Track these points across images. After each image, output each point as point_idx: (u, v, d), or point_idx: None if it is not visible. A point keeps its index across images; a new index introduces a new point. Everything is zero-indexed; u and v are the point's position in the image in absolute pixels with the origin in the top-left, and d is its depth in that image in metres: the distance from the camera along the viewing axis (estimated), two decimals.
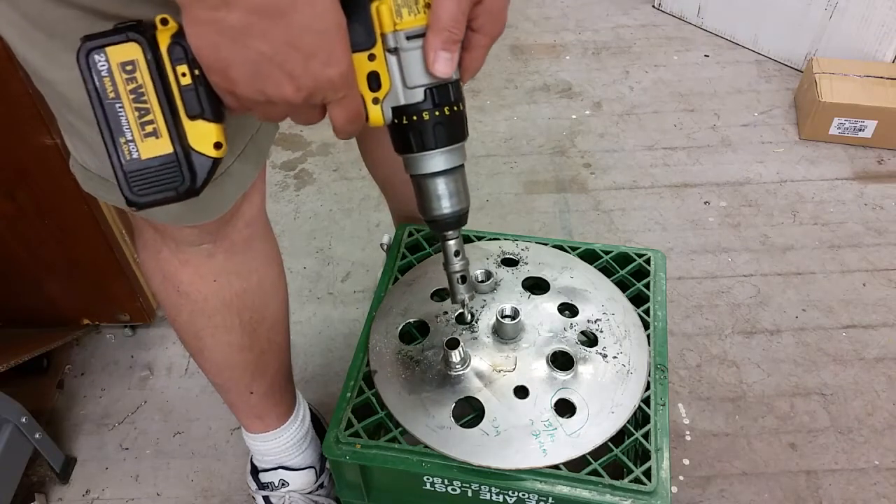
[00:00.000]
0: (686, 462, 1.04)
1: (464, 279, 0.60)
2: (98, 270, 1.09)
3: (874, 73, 1.53)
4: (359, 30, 0.45)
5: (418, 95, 0.49)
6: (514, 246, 0.87)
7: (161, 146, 0.43)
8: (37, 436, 0.99)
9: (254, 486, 0.95)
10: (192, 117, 0.44)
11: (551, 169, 1.53)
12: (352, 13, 0.44)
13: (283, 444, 0.91)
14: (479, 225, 1.41)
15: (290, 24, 0.41)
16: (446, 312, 0.79)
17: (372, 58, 0.46)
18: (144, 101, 0.43)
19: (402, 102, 0.49)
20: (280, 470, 0.93)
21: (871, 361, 1.15)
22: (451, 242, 0.58)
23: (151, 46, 0.43)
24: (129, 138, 0.43)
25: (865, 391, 1.11)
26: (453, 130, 0.52)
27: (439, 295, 0.82)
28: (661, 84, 1.75)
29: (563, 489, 0.65)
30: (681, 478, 1.02)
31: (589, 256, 0.86)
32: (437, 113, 0.50)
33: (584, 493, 0.65)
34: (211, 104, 0.44)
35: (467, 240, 0.89)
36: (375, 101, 0.48)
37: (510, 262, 0.85)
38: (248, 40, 0.41)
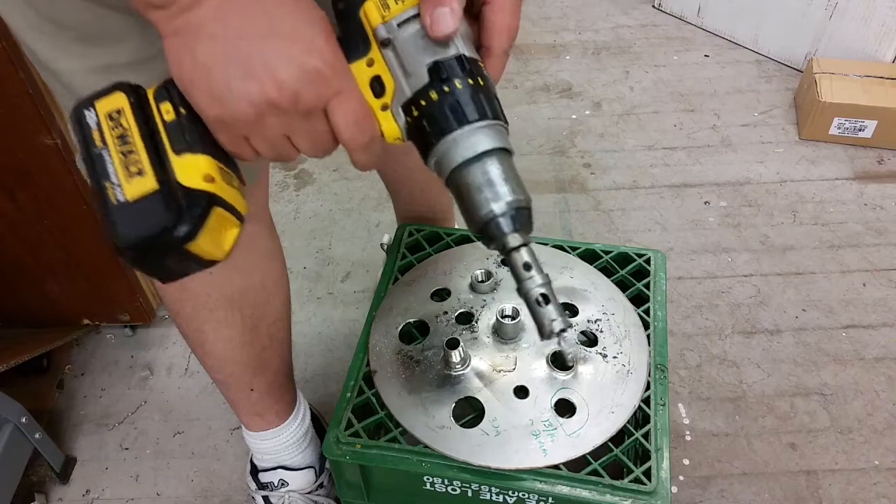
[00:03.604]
0: (686, 462, 1.04)
1: (546, 299, 0.46)
2: (98, 270, 1.09)
3: (874, 73, 1.53)
4: (354, 39, 0.44)
5: (423, 77, 0.44)
6: None
7: (145, 184, 0.40)
8: (37, 436, 0.99)
9: (253, 486, 0.95)
10: (178, 152, 0.42)
11: (551, 169, 1.53)
12: (344, 25, 0.44)
13: (284, 443, 0.91)
14: None
15: (266, 10, 0.39)
16: (446, 312, 0.79)
17: (371, 63, 0.44)
18: (129, 143, 0.41)
19: (409, 93, 0.44)
20: (280, 470, 0.93)
21: (871, 361, 1.15)
22: (514, 254, 0.45)
23: (136, 92, 0.42)
24: (115, 182, 0.41)
25: (865, 391, 1.11)
26: (474, 106, 0.44)
27: (439, 295, 0.82)
28: (661, 84, 1.75)
29: (563, 489, 0.65)
30: (681, 478, 1.02)
31: (589, 256, 0.86)
32: (446, 89, 0.44)
33: (584, 493, 0.65)
34: (198, 136, 0.42)
35: (467, 239, 0.89)
36: (384, 107, 0.45)
37: None
38: (225, 35, 0.39)
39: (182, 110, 0.42)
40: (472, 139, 0.44)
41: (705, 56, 1.82)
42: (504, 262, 0.47)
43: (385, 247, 1.25)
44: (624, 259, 0.85)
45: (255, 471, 0.95)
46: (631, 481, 0.65)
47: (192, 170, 0.42)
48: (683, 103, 1.69)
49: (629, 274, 0.83)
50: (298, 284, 1.32)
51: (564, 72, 1.81)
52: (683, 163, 1.53)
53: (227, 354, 0.79)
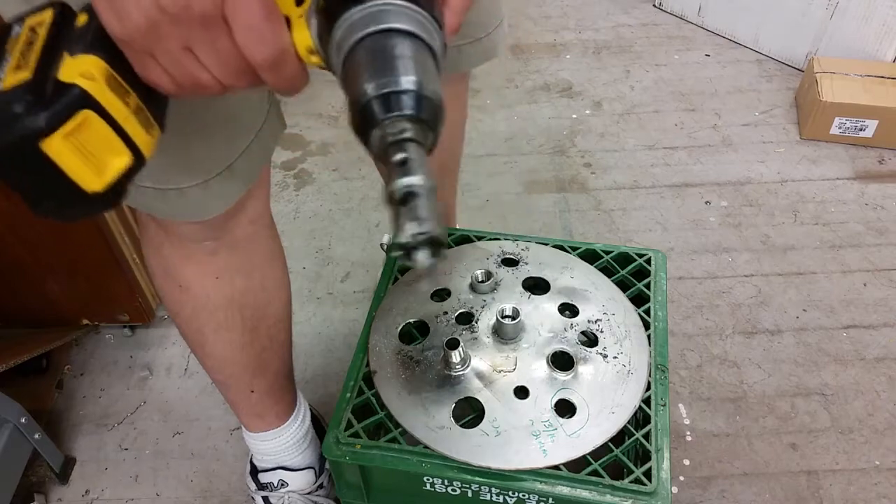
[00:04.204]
0: (686, 462, 1.04)
1: (414, 196, 0.34)
2: (98, 270, 1.09)
3: (875, 73, 1.53)
4: None
5: None
6: (514, 246, 0.87)
7: (22, 75, 0.36)
8: (36, 436, 0.99)
9: (253, 486, 0.95)
10: (73, 53, 0.38)
11: (551, 169, 1.53)
12: None
13: (283, 444, 0.91)
14: (479, 225, 1.41)
15: None
16: (446, 312, 0.79)
17: None
18: (31, 46, 0.38)
19: None
20: (279, 470, 0.93)
21: (871, 361, 1.15)
22: (394, 149, 0.34)
23: (64, 6, 0.39)
24: (1, 77, 0.37)
25: (866, 391, 1.11)
26: None
27: (439, 295, 0.81)
28: (662, 83, 1.75)
29: (563, 489, 0.65)
30: (681, 478, 1.02)
31: (589, 256, 0.85)
32: None
33: (585, 494, 0.65)
34: (101, 42, 0.38)
35: (467, 240, 0.88)
36: (302, 15, 0.39)
37: (510, 262, 0.84)
38: None
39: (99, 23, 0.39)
40: (373, 16, 0.35)
41: (706, 55, 1.82)
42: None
43: (385, 247, 1.25)
44: (624, 259, 0.85)
45: (254, 471, 0.95)
46: (631, 482, 0.65)
47: (76, 68, 0.37)
48: (684, 103, 1.68)
49: (630, 274, 0.83)
50: (298, 284, 1.32)
51: (565, 71, 1.80)
52: (684, 162, 1.53)
53: (227, 356, 0.79)
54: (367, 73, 0.34)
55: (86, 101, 0.37)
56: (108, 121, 0.38)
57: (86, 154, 0.37)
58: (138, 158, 0.40)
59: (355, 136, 0.36)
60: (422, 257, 0.34)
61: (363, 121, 0.35)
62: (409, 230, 0.33)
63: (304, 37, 0.38)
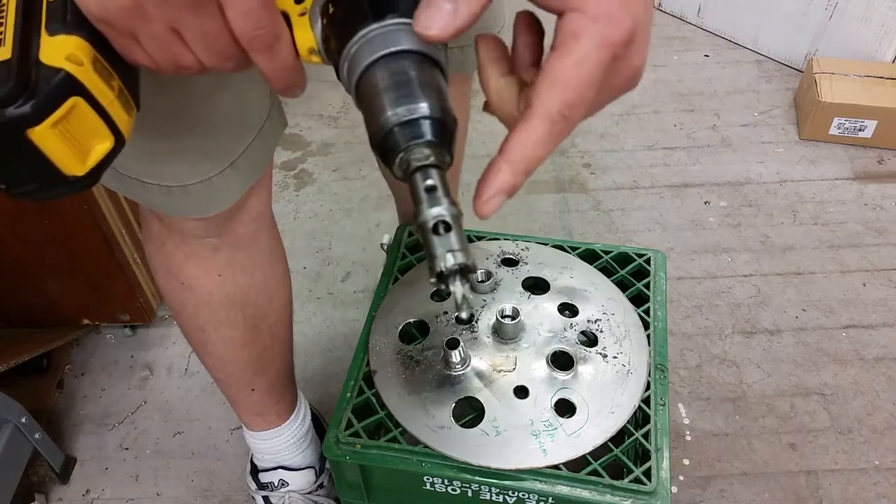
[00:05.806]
0: (686, 462, 1.04)
1: (447, 227, 0.35)
2: (98, 270, 1.09)
3: (874, 73, 1.53)
4: None
5: None
6: (514, 246, 0.87)
7: (1, 54, 0.34)
8: (37, 436, 0.99)
9: (253, 486, 0.95)
10: (52, 33, 0.36)
11: (551, 169, 1.53)
12: None
13: (284, 443, 0.91)
14: (480, 225, 1.41)
15: None
16: (446, 312, 0.79)
17: None
18: (1, 15, 0.35)
19: None
20: (280, 470, 0.93)
21: (871, 361, 1.15)
22: (417, 175, 0.36)
23: None
24: None
25: (865, 391, 1.11)
26: (403, 1, 0.36)
27: (439, 295, 0.82)
28: (661, 84, 1.75)
29: (563, 489, 0.65)
30: (681, 478, 1.02)
31: (589, 256, 0.86)
32: None
33: (584, 494, 0.65)
34: (79, 20, 0.36)
35: (467, 239, 0.88)
36: (303, 13, 0.38)
37: (510, 262, 0.85)
38: None
39: None
40: (390, 37, 0.35)
41: (705, 56, 1.82)
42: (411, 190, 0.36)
43: (385, 247, 1.26)
44: (624, 259, 0.85)
45: (255, 471, 0.95)
46: (631, 481, 0.65)
47: (59, 50, 0.35)
48: (683, 103, 1.69)
49: (629, 274, 0.83)
50: (298, 284, 1.32)
51: None
52: (683, 163, 1.53)
53: (228, 354, 0.79)
54: (387, 99, 0.35)
55: (74, 87, 0.35)
56: (95, 107, 0.37)
57: (71, 140, 0.36)
58: (119, 141, 0.39)
59: (377, 157, 0.37)
60: (458, 286, 0.36)
61: (387, 147, 0.36)
62: (449, 260, 0.35)
63: (307, 37, 0.38)
